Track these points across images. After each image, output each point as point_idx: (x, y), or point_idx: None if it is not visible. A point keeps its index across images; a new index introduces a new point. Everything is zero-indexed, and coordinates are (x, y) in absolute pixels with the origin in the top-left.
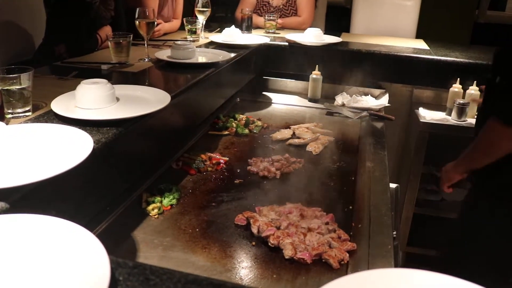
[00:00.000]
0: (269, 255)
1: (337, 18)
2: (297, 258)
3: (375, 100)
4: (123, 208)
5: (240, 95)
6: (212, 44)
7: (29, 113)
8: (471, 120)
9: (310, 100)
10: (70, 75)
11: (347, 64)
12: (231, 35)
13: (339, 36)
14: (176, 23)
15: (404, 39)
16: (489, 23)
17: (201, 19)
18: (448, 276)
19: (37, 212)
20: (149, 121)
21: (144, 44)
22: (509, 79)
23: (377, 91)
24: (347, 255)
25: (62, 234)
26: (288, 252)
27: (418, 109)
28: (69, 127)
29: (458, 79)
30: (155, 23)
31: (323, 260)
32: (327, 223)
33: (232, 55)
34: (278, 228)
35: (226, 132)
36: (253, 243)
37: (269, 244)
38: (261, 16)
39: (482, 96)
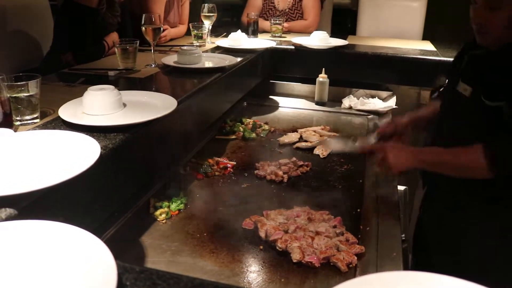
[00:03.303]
0: (277, 259)
1: (343, 20)
2: (305, 262)
3: (383, 102)
4: (131, 213)
5: (247, 99)
6: (218, 49)
7: (37, 120)
8: None
9: (317, 103)
10: (77, 82)
11: (353, 67)
12: (237, 39)
13: (345, 38)
14: (182, 29)
15: (410, 41)
16: None
17: (207, 24)
18: (458, 279)
19: (45, 218)
20: (156, 126)
21: (150, 50)
22: None
23: (384, 93)
24: (355, 258)
25: (69, 240)
26: (296, 256)
27: None
28: (77, 133)
29: None
30: (161, 28)
31: (331, 264)
32: (335, 226)
33: (239, 59)
34: (286, 231)
35: (233, 137)
36: (261, 247)
37: (277, 248)
38: (267, 20)
39: None
